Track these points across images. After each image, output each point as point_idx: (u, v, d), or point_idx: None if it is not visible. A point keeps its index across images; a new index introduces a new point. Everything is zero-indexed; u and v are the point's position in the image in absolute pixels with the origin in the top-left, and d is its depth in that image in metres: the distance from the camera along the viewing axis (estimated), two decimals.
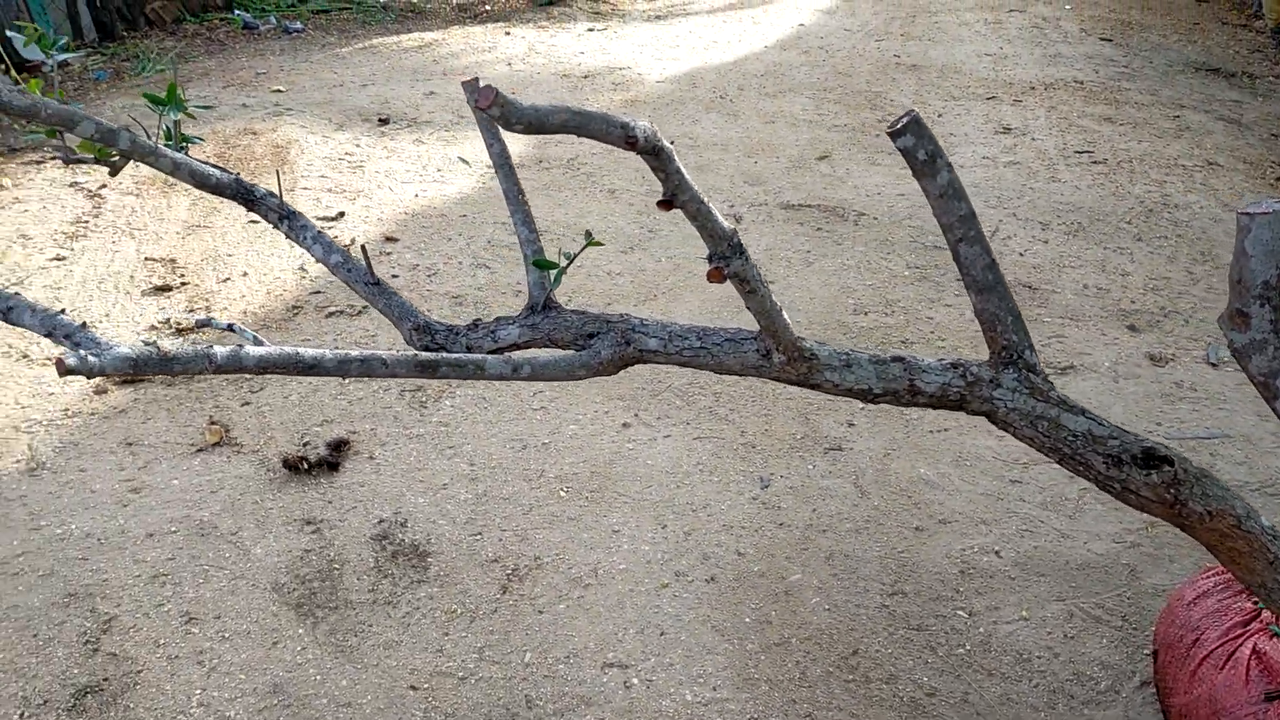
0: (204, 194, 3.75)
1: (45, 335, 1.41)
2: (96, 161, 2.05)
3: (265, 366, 1.43)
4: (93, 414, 2.77)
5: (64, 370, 1.24)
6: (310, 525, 2.39)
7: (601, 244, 1.64)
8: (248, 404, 2.83)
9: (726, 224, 1.46)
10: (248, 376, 2.93)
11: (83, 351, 1.30)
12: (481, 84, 1.16)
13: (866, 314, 3.35)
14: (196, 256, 3.63)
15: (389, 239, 3.79)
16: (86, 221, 3.87)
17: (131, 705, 1.93)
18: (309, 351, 1.47)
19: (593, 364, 1.65)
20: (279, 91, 5.29)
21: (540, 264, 1.68)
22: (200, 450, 2.63)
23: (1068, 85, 5.87)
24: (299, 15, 6.96)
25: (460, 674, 2.01)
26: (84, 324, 1.41)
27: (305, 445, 2.65)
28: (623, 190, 4.26)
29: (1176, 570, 2.25)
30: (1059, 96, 5.65)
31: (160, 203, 4.03)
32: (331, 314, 3.30)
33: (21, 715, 1.91)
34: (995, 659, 2.04)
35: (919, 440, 2.71)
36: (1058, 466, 2.58)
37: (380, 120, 4.93)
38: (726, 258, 1.44)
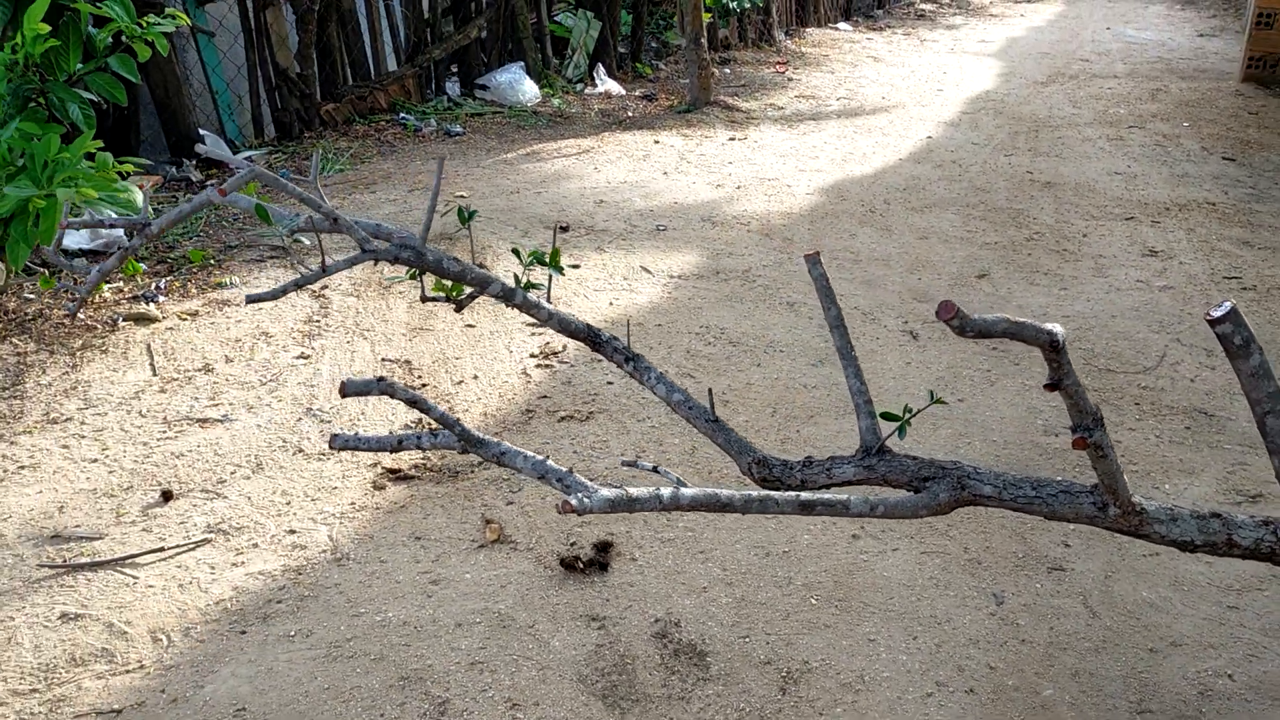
0: (417, 298, 4.12)
1: (539, 478, 1.71)
2: (446, 299, 2.38)
3: (694, 505, 1.72)
4: (377, 508, 3.09)
5: (566, 509, 1.53)
6: (595, 621, 2.66)
7: (945, 402, 1.91)
8: (511, 503, 3.12)
9: (1092, 403, 1.72)
10: (507, 479, 3.23)
11: (579, 494, 1.59)
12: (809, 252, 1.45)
13: (1057, 435, 3.58)
14: (428, 359, 3.97)
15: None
16: (318, 321, 4.24)
17: None
18: (725, 492, 1.75)
19: (932, 505, 1.92)
20: (462, 197, 5.70)
21: (887, 416, 1.95)
22: (482, 546, 2.93)
23: (1200, 206, 6.10)
24: (457, 119, 7.43)
25: None
26: (570, 469, 1.71)
27: (572, 545, 2.94)
28: (800, 303, 4.56)
29: None
30: (1195, 218, 5.88)
31: (380, 304, 4.39)
32: (563, 418, 3.60)
33: None
34: None
35: (1134, 563, 2.92)
36: (1270, 593, 2.79)
37: (561, 228, 5.30)
38: (1090, 429, 1.70)
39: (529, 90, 7.96)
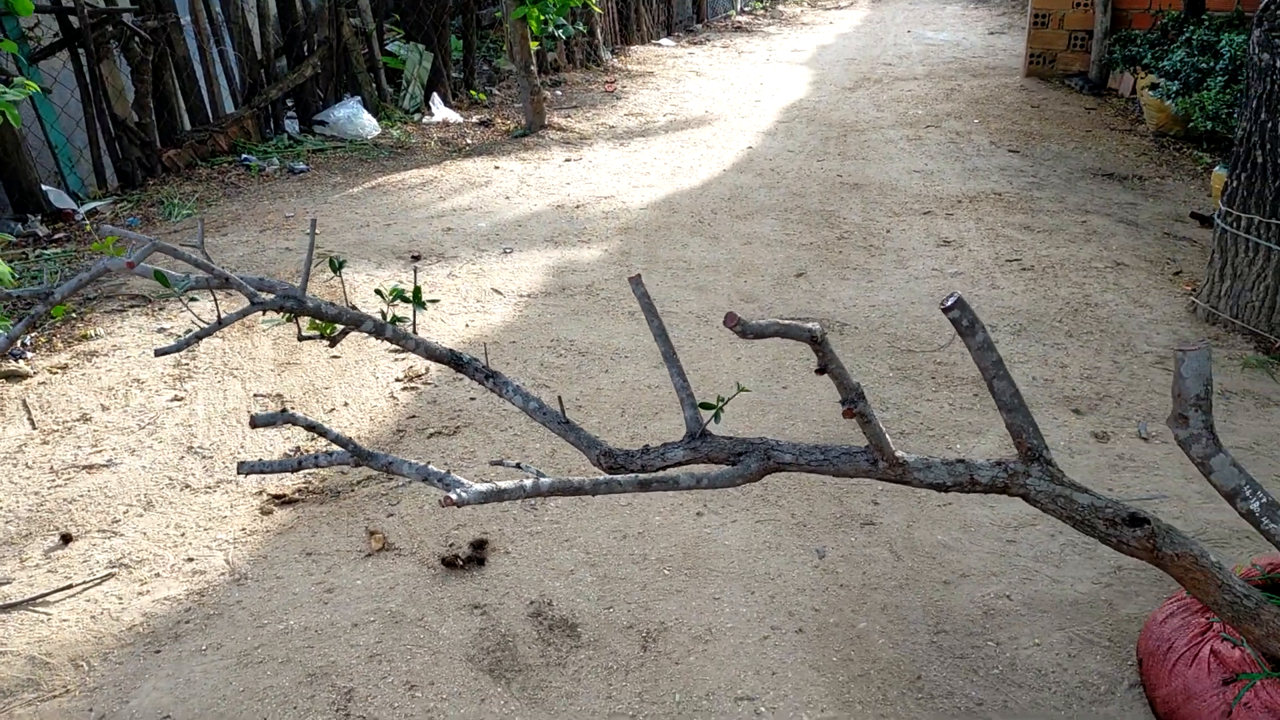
0: (281, 334, 4.41)
1: (422, 480, 2.08)
2: (321, 336, 2.71)
3: (553, 491, 2.12)
4: (268, 531, 3.38)
5: (447, 503, 1.91)
6: (477, 609, 3.03)
7: (748, 390, 2.36)
8: (392, 515, 3.46)
9: (853, 381, 2.19)
10: (385, 494, 3.56)
11: (457, 490, 1.97)
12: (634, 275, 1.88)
13: (878, 409, 4.11)
14: (298, 391, 4.25)
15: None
16: (186, 364, 4.47)
17: None
18: (577, 479, 2.15)
19: (746, 474, 2.36)
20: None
21: (705, 406, 2.39)
22: (369, 555, 3.26)
23: (988, 197, 6.83)
24: (299, 156, 7.64)
25: (629, 713, 2.66)
26: (448, 470, 2.08)
27: (451, 546, 3.30)
28: (639, 313, 5.00)
29: (1142, 602, 3.01)
30: (983, 209, 6.59)
31: (246, 343, 4.65)
32: (432, 434, 3.95)
33: None
34: (1021, 675, 2.77)
35: (931, 513, 3.46)
36: (1041, 528, 3.35)
37: (414, 257, 5.62)
38: (854, 402, 2.17)
39: (368, 123, 8.21)
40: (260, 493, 3.59)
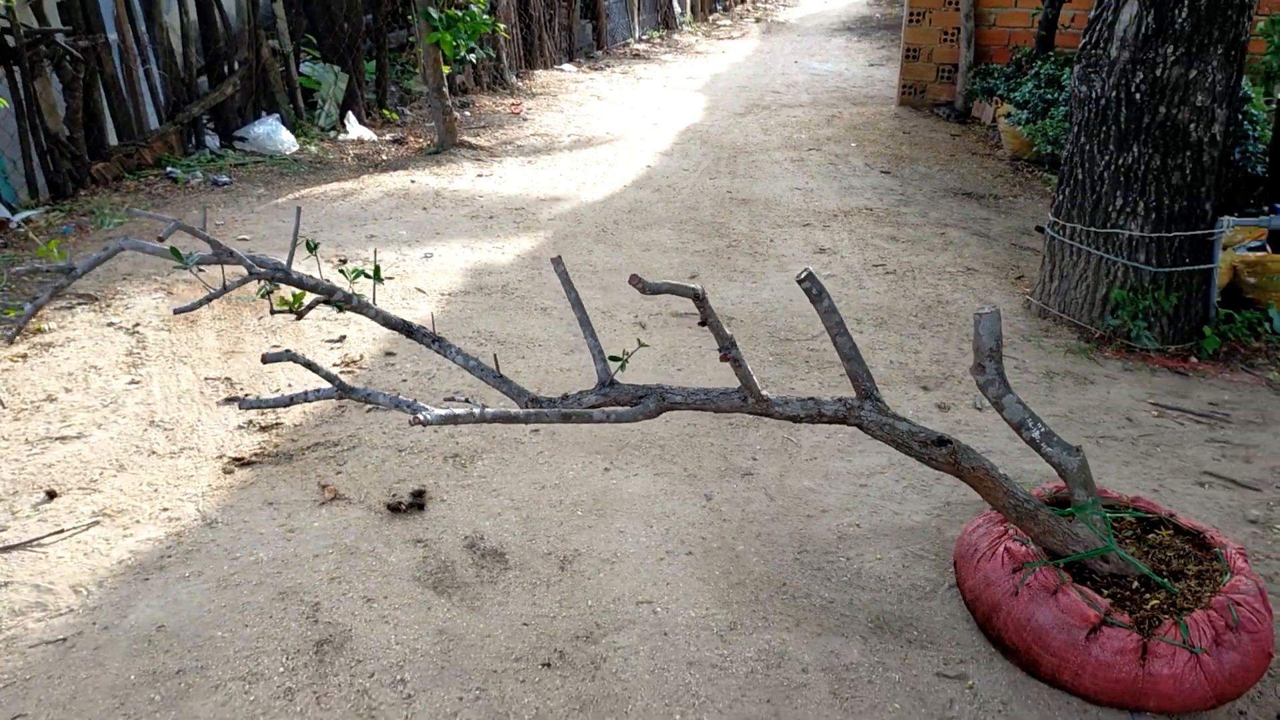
0: (225, 327, 4.91)
1: (395, 408, 2.66)
2: (290, 310, 3.26)
3: (496, 419, 2.72)
4: (231, 487, 3.90)
5: (416, 422, 2.50)
6: (420, 543, 3.59)
7: (648, 345, 3.00)
8: (340, 472, 4.00)
9: (727, 331, 2.84)
10: (333, 456, 4.10)
11: (424, 413, 2.55)
12: (555, 256, 2.52)
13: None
14: (245, 375, 4.75)
15: (388, 354, 5.02)
16: (138, 353, 4.93)
17: (354, 648, 3.09)
18: (514, 410, 2.75)
19: (646, 411, 3.00)
20: (245, 240, 6.43)
21: (613, 358, 3.01)
22: (323, 504, 3.80)
23: (861, 212, 7.63)
24: (222, 169, 8.08)
25: (550, 615, 3.26)
26: (414, 400, 2.67)
27: (394, 496, 3.85)
28: (552, 308, 5.62)
29: (957, 529, 3.72)
30: (855, 222, 7.38)
31: (191, 335, 5.13)
32: (369, 410, 4.50)
33: (285, 661, 3.05)
34: (865, 581, 3.45)
35: (800, 465, 4.13)
36: (887, 474, 4.05)
37: (342, 261, 6.14)
38: (729, 349, 2.82)
39: (286, 140, 8.68)
40: (221, 456, 4.10)
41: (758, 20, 21.12)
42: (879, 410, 3.00)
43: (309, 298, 3.09)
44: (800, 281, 2.90)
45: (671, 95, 12.28)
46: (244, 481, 3.94)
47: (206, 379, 4.72)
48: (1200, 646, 2.81)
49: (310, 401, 2.80)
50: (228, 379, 4.73)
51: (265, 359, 2.66)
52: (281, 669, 3.00)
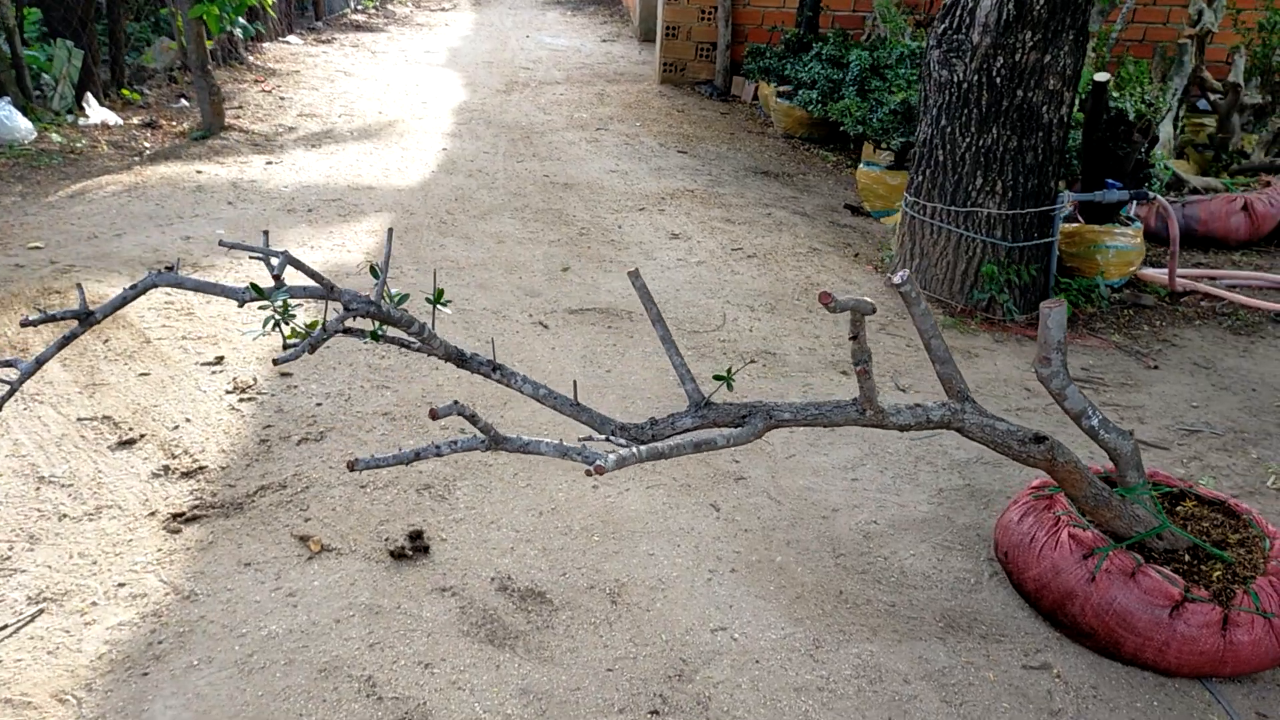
0: (71, 357, 4.20)
1: (561, 456, 2.30)
2: (302, 343, 2.79)
3: (675, 452, 2.44)
4: (187, 549, 3.29)
5: (599, 471, 2.20)
6: (446, 592, 3.20)
7: (757, 361, 2.79)
8: (309, 519, 3.49)
9: (868, 348, 2.70)
10: (290, 501, 3.56)
11: (601, 460, 2.25)
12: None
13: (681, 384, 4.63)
14: (125, 411, 4.03)
15: (284, 375, 4.43)
16: None
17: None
18: (660, 445, 2.49)
19: (754, 432, 2.80)
20: (38, 248, 5.46)
21: (719, 377, 2.79)
22: (311, 558, 3.29)
23: (684, 194, 7.61)
24: None
25: (630, 656, 3.00)
26: (582, 443, 2.33)
27: (387, 540, 3.41)
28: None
29: (968, 514, 3.79)
30: (684, 204, 7.35)
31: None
32: (300, 441, 3.95)
33: None
34: (912, 579, 3.43)
35: (784, 464, 4.05)
36: (868, 465, 4.04)
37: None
38: (866, 362, 2.68)
39: (22, 127, 7.47)
40: (153, 513, 3.46)
41: None
42: (979, 413, 2.97)
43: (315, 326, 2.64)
44: (898, 285, 2.80)
45: (420, 71, 11.71)
46: (200, 541, 3.35)
47: (80, 419, 3.97)
48: (1272, 612, 3.00)
49: (444, 455, 2.39)
50: (108, 417, 3.99)
51: (434, 414, 2.23)
52: None
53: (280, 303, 2.34)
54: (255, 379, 4.37)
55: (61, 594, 3.06)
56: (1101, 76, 6.22)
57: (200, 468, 3.73)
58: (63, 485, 3.57)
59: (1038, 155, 5.65)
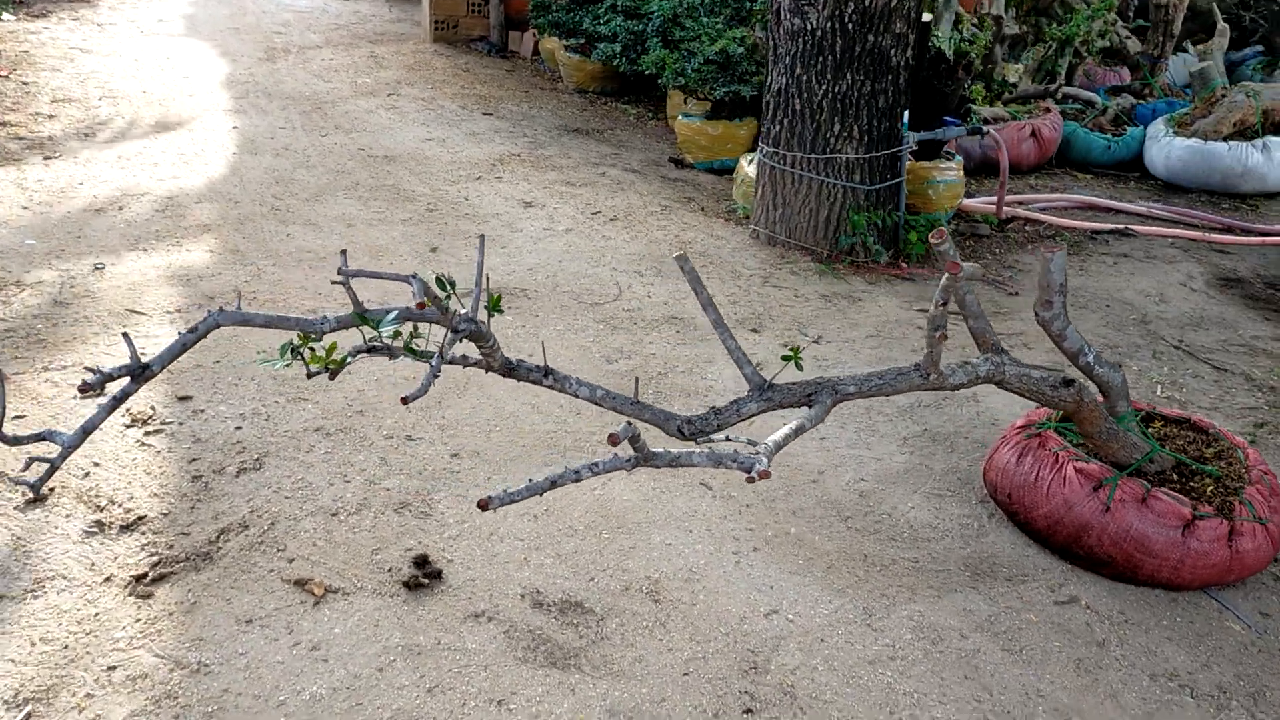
0: None
1: (716, 466, 2.11)
2: (324, 370, 2.47)
3: (779, 446, 2.31)
4: (170, 615, 2.84)
5: (764, 475, 2.06)
6: (480, 617, 2.93)
7: (819, 340, 2.69)
8: (292, 560, 3.10)
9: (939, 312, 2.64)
10: (259, 542, 3.16)
11: (758, 465, 2.10)
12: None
13: (612, 361, 4.47)
14: (15, 465, 3.44)
15: (182, 399, 3.92)
16: None
17: None
18: (770, 442, 2.36)
19: (825, 410, 2.71)
20: None
21: (786, 358, 2.66)
22: (318, 603, 2.93)
23: (512, 159, 7.33)
24: None
25: (700, 656, 2.86)
26: (735, 450, 2.14)
27: (390, 571, 3.09)
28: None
29: (941, 460, 3.87)
30: (518, 169, 7.08)
31: None
32: (239, 471, 3.51)
33: None
34: (923, 532, 3.46)
35: (746, 433, 3.97)
36: (840, 430, 4.04)
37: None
38: (942, 328, 2.63)
39: None
40: (108, 579, 2.97)
41: None
42: (1015, 363, 3.00)
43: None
44: (938, 245, 2.77)
45: (164, 43, 10.63)
46: (180, 603, 2.90)
47: None
48: (1265, 517, 3.23)
49: (584, 478, 2.15)
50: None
51: (613, 440, 1.98)
52: None
53: (391, 331, 2.02)
54: (153, 408, 3.84)
55: (43, 691, 2.57)
56: (926, 17, 6.44)
57: (139, 518, 3.23)
58: None
59: (889, 98, 5.79)
